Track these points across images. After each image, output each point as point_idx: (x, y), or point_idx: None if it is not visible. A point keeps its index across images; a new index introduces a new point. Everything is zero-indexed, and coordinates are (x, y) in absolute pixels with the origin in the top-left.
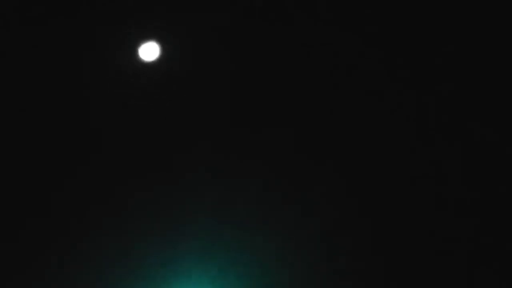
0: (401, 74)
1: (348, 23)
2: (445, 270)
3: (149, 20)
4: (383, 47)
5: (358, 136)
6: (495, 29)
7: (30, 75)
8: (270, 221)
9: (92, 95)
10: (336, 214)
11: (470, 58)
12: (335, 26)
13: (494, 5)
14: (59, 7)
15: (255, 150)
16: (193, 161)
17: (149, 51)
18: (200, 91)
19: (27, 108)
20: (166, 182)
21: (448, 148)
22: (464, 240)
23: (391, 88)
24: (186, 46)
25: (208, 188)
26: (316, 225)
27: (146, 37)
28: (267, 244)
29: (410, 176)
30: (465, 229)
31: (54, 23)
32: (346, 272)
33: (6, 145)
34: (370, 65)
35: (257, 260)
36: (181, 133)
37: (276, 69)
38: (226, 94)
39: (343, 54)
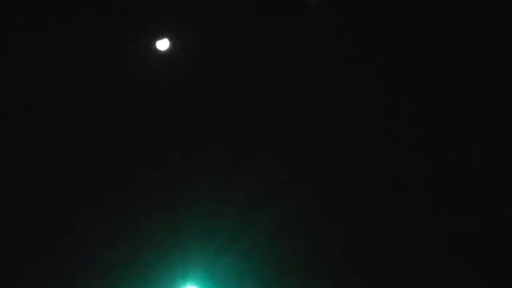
0: (399, 73)
1: (348, 23)
2: (444, 269)
3: (162, 17)
4: (382, 46)
5: (358, 128)
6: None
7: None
8: (271, 216)
9: (109, 88)
10: (336, 208)
11: (469, 60)
12: (336, 26)
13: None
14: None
15: (257, 143)
16: (194, 158)
17: (162, 45)
18: (207, 85)
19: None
20: (172, 176)
21: (447, 146)
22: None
23: (391, 86)
24: (195, 40)
25: (210, 182)
26: (316, 218)
27: (159, 33)
28: (268, 240)
29: (410, 172)
30: (464, 228)
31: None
32: (346, 267)
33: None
34: (369, 63)
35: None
36: (179, 131)
37: (280, 64)
38: (233, 87)
39: (345, 53)
